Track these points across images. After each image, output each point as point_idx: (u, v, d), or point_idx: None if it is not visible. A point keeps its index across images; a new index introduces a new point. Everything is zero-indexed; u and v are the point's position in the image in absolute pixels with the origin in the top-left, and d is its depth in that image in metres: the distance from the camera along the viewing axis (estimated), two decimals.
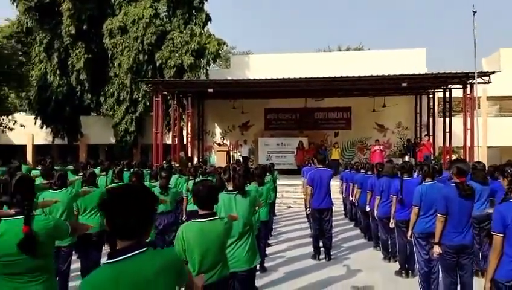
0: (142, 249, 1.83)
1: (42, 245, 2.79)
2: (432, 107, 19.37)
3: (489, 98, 23.41)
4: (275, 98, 20.40)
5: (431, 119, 19.29)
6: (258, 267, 6.44)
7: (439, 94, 18.77)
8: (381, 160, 16.10)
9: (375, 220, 7.74)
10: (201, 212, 3.18)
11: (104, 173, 8.52)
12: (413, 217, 5.17)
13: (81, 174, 7.88)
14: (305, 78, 15.57)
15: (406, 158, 17.37)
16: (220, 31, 54.61)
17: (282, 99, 20.29)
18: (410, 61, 19.52)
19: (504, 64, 23.20)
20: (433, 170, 5.49)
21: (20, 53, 21.71)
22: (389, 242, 7.31)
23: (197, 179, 8.00)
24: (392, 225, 6.46)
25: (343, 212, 12.67)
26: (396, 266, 6.78)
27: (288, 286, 6.11)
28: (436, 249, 4.32)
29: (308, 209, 7.92)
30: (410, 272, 6.39)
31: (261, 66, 20.80)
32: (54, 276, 3.07)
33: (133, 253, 1.80)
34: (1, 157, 9.51)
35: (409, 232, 5.32)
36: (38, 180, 6.16)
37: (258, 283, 6.02)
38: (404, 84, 15.29)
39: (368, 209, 8.06)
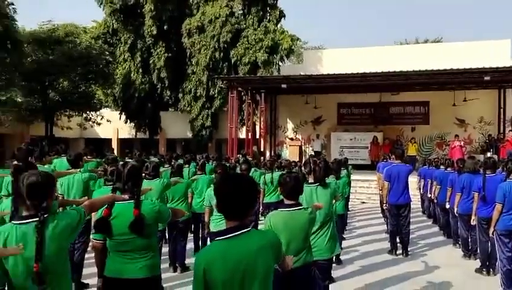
0: (247, 229, 2.11)
1: (148, 226, 3.19)
2: None
3: None
4: (348, 93, 20.19)
5: None
6: (334, 259, 6.65)
7: None
8: (462, 156, 15.44)
9: (455, 217, 7.56)
10: (287, 202, 3.43)
11: (187, 165, 9.07)
12: (495, 215, 5.05)
13: (167, 166, 8.49)
14: (380, 72, 15.31)
15: (488, 154, 16.47)
16: (293, 27, 54.71)
17: (356, 94, 20.05)
18: (493, 53, 18.39)
19: None
20: None
21: (107, 53, 23.31)
22: (470, 240, 7.14)
23: (275, 173, 8.32)
24: (473, 222, 6.31)
25: (421, 209, 12.38)
26: (476, 263, 6.62)
27: (364, 279, 6.21)
28: None
29: (384, 205, 7.92)
30: (491, 270, 6.22)
31: (334, 61, 20.67)
32: (158, 255, 3.48)
33: (240, 232, 2.09)
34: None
35: (491, 230, 5.21)
36: None
37: (335, 273, 6.19)
38: (487, 78, 14.54)
39: (447, 206, 7.87)
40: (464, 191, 6.82)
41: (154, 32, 22.80)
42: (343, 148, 20.09)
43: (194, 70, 22.73)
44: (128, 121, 25.74)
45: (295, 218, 3.34)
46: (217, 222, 5.53)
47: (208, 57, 21.73)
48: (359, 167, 18.51)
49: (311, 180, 4.41)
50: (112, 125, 26.23)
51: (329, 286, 5.37)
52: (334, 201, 4.95)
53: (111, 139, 28.18)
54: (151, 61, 23.55)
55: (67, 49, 20.98)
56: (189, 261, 6.57)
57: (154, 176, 5.71)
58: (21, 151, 5.27)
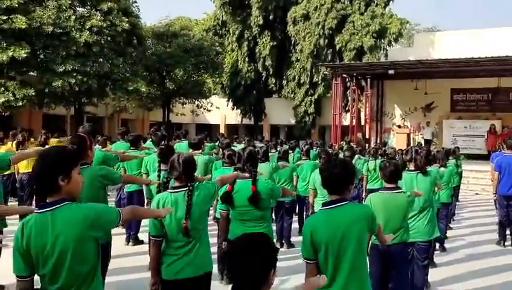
0: (346, 202, 2.60)
1: (263, 201, 3.80)
2: None
3: None
4: (463, 78, 19.06)
5: None
6: (438, 246, 6.73)
7: None
8: None
9: None
10: (387, 185, 3.76)
11: (291, 151, 9.60)
12: None
13: (273, 151, 9.11)
14: (496, 57, 14.32)
15: None
16: (403, 8, 52.24)
17: (471, 79, 18.87)
18: None
19: None
20: None
21: (217, 44, 24.76)
22: None
23: (378, 160, 8.48)
24: None
25: None
26: None
27: (468, 266, 6.23)
28: None
29: (494, 195, 7.69)
30: None
31: (448, 44, 19.58)
32: (271, 225, 4.05)
33: (339, 204, 2.59)
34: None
35: None
36: None
37: (438, 260, 6.30)
38: None
39: None
40: None
41: (261, 22, 23.64)
42: (456, 137, 19.12)
43: (298, 57, 23.19)
44: (235, 107, 27.08)
45: (394, 199, 3.66)
46: (320, 203, 5.96)
47: (312, 44, 22.01)
48: (474, 157, 17.55)
49: (412, 167, 4.63)
50: (220, 111, 27.91)
51: (431, 270, 5.60)
52: (436, 189, 5.11)
53: (219, 124, 29.95)
54: (256, 50, 24.51)
55: (182, 42, 22.73)
56: (294, 239, 7.12)
57: (264, 160, 6.32)
58: (157, 137, 6.21)
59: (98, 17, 16.13)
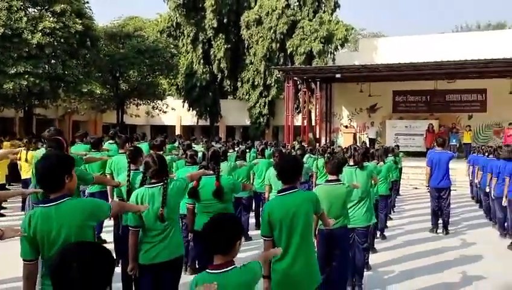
0: (296, 189, 3.24)
1: (226, 194, 4.36)
2: None
3: None
4: (404, 81, 20.46)
5: None
6: (379, 234, 7.56)
7: None
8: None
9: (493, 200, 8.18)
10: (330, 178, 4.44)
11: (248, 151, 10.23)
12: None
13: (231, 150, 9.69)
14: (433, 62, 15.64)
15: None
16: (348, 14, 54.36)
17: (411, 81, 20.30)
18: None
19: None
20: None
21: (172, 46, 24.96)
22: (507, 221, 7.74)
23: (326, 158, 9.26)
24: (504, 203, 6.97)
25: (471, 194, 12.82)
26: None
27: (405, 251, 7.10)
28: None
29: (427, 188, 8.67)
30: None
31: (390, 49, 21.00)
32: None
33: (291, 191, 3.22)
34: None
35: None
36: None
37: (378, 246, 7.12)
38: None
39: (487, 190, 8.49)
40: (499, 176, 7.45)
41: (215, 25, 24.14)
42: (398, 136, 20.50)
43: (252, 60, 23.90)
44: (191, 108, 27.36)
45: (335, 190, 4.34)
46: None
47: (265, 48, 22.80)
48: (414, 154, 18.88)
49: (351, 163, 5.38)
50: (176, 113, 28.09)
51: (373, 255, 6.39)
52: (373, 182, 5.89)
53: (175, 126, 30.10)
54: (211, 53, 24.99)
55: (137, 43, 22.79)
56: (251, 233, 7.73)
57: (223, 160, 6.86)
58: (122, 139, 6.61)
59: (51, 19, 16.03)
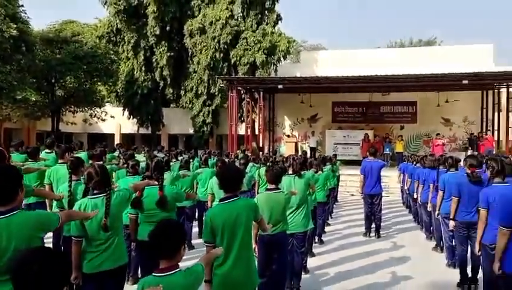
0: (237, 197, 3.44)
1: (169, 204, 4.47)
2: (497, 102, 19.35)
3: None
4: (342, 92, 21.39)
5: (496, 114, 19.31)
6: (317, 239, 7.93)
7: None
8: (443, 153, 16.70)
9: (420, 205, 8.86)
10: (269, 186, 4.69)
11: (191, 160, 10.31)
12: (438, 200, 6.34)
13: (174, 160, 9.74)
14: (369, 75, 16.53)
15: (469, 152, 17.76)
16: (291, 26, 55.87)
17: (349, 93, 21.27)
18: (477, 57, 19.68)
19: None
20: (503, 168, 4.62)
21: (111, 52, 24.48)
22: (432, 225, 8.40)
23: None
24: (429, 208, 7.60)
25: (401, 200, 13.65)
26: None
27: (340, 254, 7.51)
28: (451, 224, 5.55)
29: (361, 195, 9.21)
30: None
31: (329, 62, 21.94)
32: None
33: (232, 199, 3.42)
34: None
35: (436, 212, 6.50)
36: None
37: (316, 250, 7.49)
38: (465, 82, 15.79)
39: (415, 196, 9.17)
40: (425, 183, 8.10)
41: (157, 32, 23.99)
42: (337, 145, 21.32)
43: (196, 69, 23.96)
44: (131, 116, 26.86)
45: (275, 197, 4.60)
46: None
47: (209, 57, 22.96)
48: (351, 163, 19.71)
49: (290, 171, 5.69)
50: (115, 120, 27.45)
51: (311, 259, 6.73)
52: (311, 190, 6.24)
53: (114, 134, 29.38)
54: (153, 60, 24.78)
55: (74, 49, 22.16)
56: (194, 241, 7.84)
57: (166, 170, 6.93)
58: (61, 149, 6.50)
59: None
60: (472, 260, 5.65)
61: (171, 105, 28.89)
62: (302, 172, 5.79)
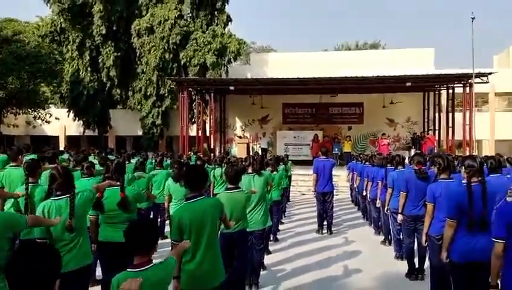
0: (203, 197, 3.53)
1: (131, 205, 4.47)
2: (437, 103, 20.53)
3: (497, 94, 24.41)
4: (292, 94, 21.83)
5: (437, 114, 20.47)
6: (272, 237, 8.12)
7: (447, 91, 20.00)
8: (388, 152, 17.52)
9: (369, 202, 9.29)
10: (229, 186, 4.81)
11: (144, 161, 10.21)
12: (387, 196, 6.73)
13: (127, 162, 9.60)
14: (317, 77, 17.03)
15: (412, 151, 18.71)
16: (241, 28, 56.28)
17: (299, 94, 21.75)
18: (419, 60, 20.80)
19: None
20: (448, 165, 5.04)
21: (56, 52, 23.61)
22: (380, 220, 8.84)
23: (223, 168, 9.66)
24: (378, 205, 8.01)
25: (351, 198, 14.18)
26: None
27: (295, 250, 7.75)
28: (399, 218, 5.92)
29: (313, 193, 9.53)
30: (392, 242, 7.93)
31: (279, 64, 22.33)
32: None
33: (198, 198, 3.51)
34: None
35: (385, 208, 6.89)
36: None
37: (272, 248, 7.68)
38: (409, 84, 16.66)
39: (364, 193, 9.60)
40: (373, 180, 8.52)
41: (103, 31, 23.39)
42: (288, 145, 21.73)
43: (144, 69, 23.57)
44: (77, 118, 26.00)
45: (235, 196, 4.72)
46: (174, 207, 6.79)
47: (158, 58, 22.66)
48: (302, 163, 20.11)
49: (249, 170, 5.83)
50: (60, 122, 26.50)
51: (267, 256, 6.90)
52: (269, 187, 6.42)
53: (58, 136, 28.33)
54: (100, 60, 24.11)
55: (16, 48, 21.18)
56: None
57: None
58: (13, 151, 6.29)
59: None
60: (419, 251, 6.04)
61: (119, 106, 28.24)
62: (262, 171, 5.95)
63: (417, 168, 5.75)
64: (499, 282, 3.29)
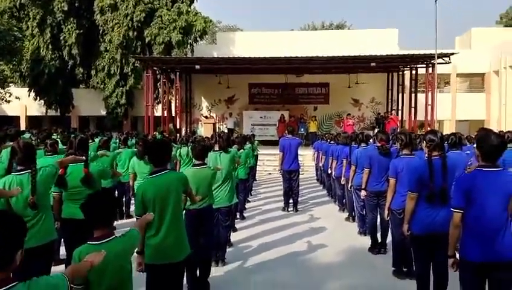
0: (167, 171, 3.51)
1: (95, 181, 4.38)
2: (401, 83, 20.96)
3: (459, 75, 25.18)
4: (259, 74, 21.75)
5: (400, 95, 20.93)
6: (238, 215, 8.17)
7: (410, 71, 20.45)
8: (353, 132, 17.82)
9: (334, 180, 9.47)
10: (196, 162, 4.78)
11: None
12: (351, 173, 6.89)
13: (90, 141, 9.38)
14: (285, 57, 17.03)
15: (376, 130, 19.11)
16: (206, 7, 55.30)
17: (265, 74, 21.71)
18: (384, 41, 21.10)
19: (474, 43, 24.93)
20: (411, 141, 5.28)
21: (15, 29, 22.59)
22: (345, 198, 9.04)
23: (189, 147, 9.60)
24: (342, 182, 8.19)
25: (316, 177, 14.41)
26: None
27: (261, 228, 7.85)
28: (363, 193, 6.08)
29: (279, 171, 9.62)
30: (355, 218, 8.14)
31: (246, 43, 22.16)
32: None
33: (162, 172, 3.49)
34: None
35: (349, 185, 7.06)
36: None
37: (238, 225, 7.74)
38: (373, 64, 16.91)
39: (329, 171, 9.77)
40: (338, 159, 8.68)
41: (65, 8, 22.55)
42: (254, 126, 21.75)
43: (107, 47, 22.91)
44: (38, 98, 25.16)
45: (201, 173, 4.70)
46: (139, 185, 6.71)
47: (122, 35, 22.04)
48: (268, 143, 20.19)
49: (216, 148, 5.82)
50: (20, 102, 25.55)
51: (233, 233, 6.95)
52: (236, 165, 6.43)
53: (19, 116, 27.35)
54: (61, 38, 23.26)
55: None
56: (115, 222, 7.69)
57: None
58: None
59: None
60: (381, 226, 6.22)
61: (81, 85, 27.43)
62: (229, 149, 5.94)
63: (380, 144, 5.88)
64: (456, 253, 3.43)
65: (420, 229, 4.17)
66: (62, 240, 5.03)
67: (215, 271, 5.42)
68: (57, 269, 4.58)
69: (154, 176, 3.49)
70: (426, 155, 4.13)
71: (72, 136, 5.43)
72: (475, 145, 3.50)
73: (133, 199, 7.32)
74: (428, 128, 17.83)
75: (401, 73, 20.87)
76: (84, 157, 4.32)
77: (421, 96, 19.21)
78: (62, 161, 4.04)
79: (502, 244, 3.18)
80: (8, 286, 1.62)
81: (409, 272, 5.06)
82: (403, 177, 4.79)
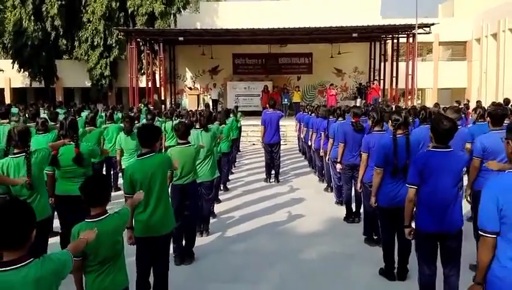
0: (153, 153, 3.84)
1: (85, 160, 4.71)
2: (383, 53, 21.21)
3: (441, 43, 25.46)
4: (242, 44, 21.81)
5: (382, 64, 21.21)
6: (222, 187, 8.57)
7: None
8: (336, 102, 18.26)
9: (314, 152, 9.88)
10: (180, 141, 5.11)
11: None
12: (329, 146, 7.29)
13: (77, 116, 9.60)
14: (266, 28, 17.12)
15: (358, 100, 19.53)
16: None
17: (249, 45, 21.77)
18: (366, 10, 21.17)
19: (457, 11, 25.17)
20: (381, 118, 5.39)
21: None
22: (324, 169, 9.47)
23: (174, 121, 9.90)
24: (321, 154, 8.60)
25: (298, 148, 14.83)
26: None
27: (244, 199, 8.29)
28: (338, 166, 6.50)
29: (262, 144, 9.99)
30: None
31: (229, 13, 22.11)
32: None
33: (150, 155, 3.82)
34: None
35: (326, 157, 7.48)
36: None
37: (222, 197, 8.15)
38: (355, 35, 17.11)
39: (309, 143, 10.17)
40: (318, 131, 9.06)
41: None
42: (239, 96, 21.95)
43: (90, 18, 22.63)
44: (22, 70, 24.90)
45: (186, 151, 5.05)
46: (126, 161, 7.01)
47: (104, 6, 21.79)
48: (252, 113, 20.43)
49: (197, 126, 6.14)
50: (4, 74, 25.29)
51: (217, 205, 7.36)
52: (218, 140, 6.77)
53: (3, 88, 27.07)
54: (43, 9, 22.85)
55: None
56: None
57: None
58: None
59: None
60: (356, 197, 6.67)
61: (65, 57, 27.13)
62: (209, 126, 6.26)
63: (354, 120, 6.26)
64: (413, 224, 3.86)
65: (385, 201, 4.60)
66: (56, 213, 5.37)
67: (200, 241, 5.83)
68: (52, 241, 4.97)
69: (142, 158, 3.82)
70: (391, 134, 4.52)
71: (64, 117, 5.68)
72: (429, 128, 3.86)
73: (120, 173, 7.67)
74: (409, 97, 18.32)
75: (383, 42, 21.08)
76: (73, 143, 4.60)
77: (402, 66, 19.50)
78: (53, 145, 4.33)
79: (451, 217, 3.62)
80: (26, 262, 1.95)
81: (379, 239, 5.53)
82: (374, 153, 5.17)
